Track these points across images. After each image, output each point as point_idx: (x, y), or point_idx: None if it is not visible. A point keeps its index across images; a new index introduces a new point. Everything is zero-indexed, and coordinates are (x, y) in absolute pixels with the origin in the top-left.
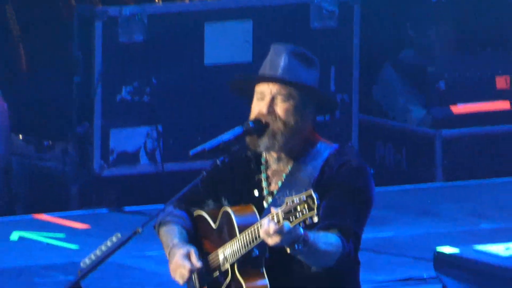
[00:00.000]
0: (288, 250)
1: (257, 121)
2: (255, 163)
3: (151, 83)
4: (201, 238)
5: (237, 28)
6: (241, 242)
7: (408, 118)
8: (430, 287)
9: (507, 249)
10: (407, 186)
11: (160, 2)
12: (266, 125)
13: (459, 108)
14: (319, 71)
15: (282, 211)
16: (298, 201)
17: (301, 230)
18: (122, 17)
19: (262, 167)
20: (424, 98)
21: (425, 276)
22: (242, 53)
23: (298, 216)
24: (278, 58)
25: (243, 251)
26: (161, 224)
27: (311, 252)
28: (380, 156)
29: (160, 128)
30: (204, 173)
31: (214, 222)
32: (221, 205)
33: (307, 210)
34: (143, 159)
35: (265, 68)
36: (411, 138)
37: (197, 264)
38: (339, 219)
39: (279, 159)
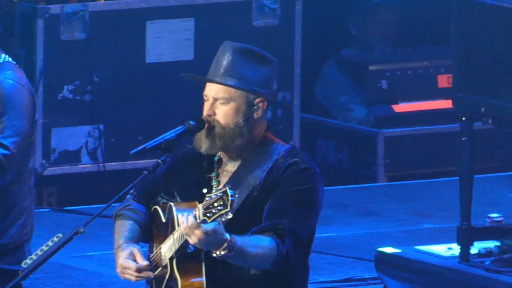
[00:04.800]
0: (215, 255)
1: (198, 119)
2: (208, 161)
3: (93, 81)
4: (155, 233)
5: (179, 26)
6: (175, 237)
7: (350, 117)
8: None
9: (449, 249)
10: (349, 186)
11: None
12: (207, 124)
13: (401, 107)
14: (275, 68)
15: (202, 207)
16: (215, 197)
17: (227, 236)
18: (64, 15)
19: (214, 166)
20: (366, 97)
21: (366, 277)
22: (183, 51)
23: (215, 212)
24: (222, 57)
25: (176, 246)
26: (117, 215)
27: (240, 256)
28: (321, 155)
29: (101, 127)
30: (146, 172)
31: (164, 217)
32: (175, 201)
33: (222, 206)
34: (85, 158)
35: (211, 68)
36: (353, 137)
37: (143, 262)
38: (276, 220)
39: (230, 158)
